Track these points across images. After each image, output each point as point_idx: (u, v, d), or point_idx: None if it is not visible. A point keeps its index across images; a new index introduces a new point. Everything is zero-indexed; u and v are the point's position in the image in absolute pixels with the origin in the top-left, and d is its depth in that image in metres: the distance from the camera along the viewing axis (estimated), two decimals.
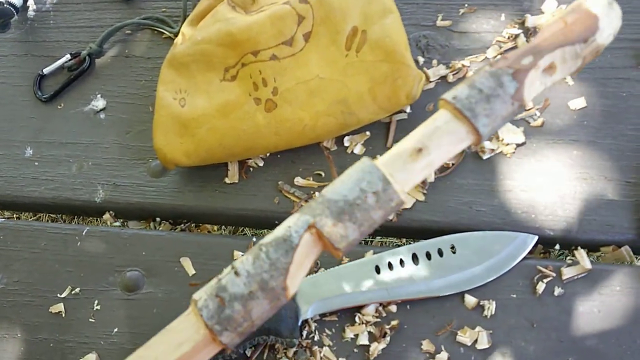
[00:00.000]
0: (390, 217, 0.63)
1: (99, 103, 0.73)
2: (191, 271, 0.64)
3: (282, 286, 0.36)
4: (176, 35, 0.74)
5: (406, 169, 0.38)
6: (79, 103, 0.74)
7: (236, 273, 0.36)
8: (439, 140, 0.38)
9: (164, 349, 0.38)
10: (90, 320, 0.64)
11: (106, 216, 0.70)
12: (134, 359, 0.40)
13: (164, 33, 0.75)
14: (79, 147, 0.72)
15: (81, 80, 0.75)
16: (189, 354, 0.37)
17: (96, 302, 0.64)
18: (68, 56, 0.76)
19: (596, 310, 0.58)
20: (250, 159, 0.68)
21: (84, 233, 0.67)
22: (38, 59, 0.78)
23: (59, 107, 0.75)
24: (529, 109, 0.64)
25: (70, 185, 0.70)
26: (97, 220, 0.73)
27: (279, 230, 0.38)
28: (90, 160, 0.71)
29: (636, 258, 0.61)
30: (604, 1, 0.39)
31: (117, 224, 0.71)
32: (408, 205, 0.63)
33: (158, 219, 0.71)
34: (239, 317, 0.36)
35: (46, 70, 0.76)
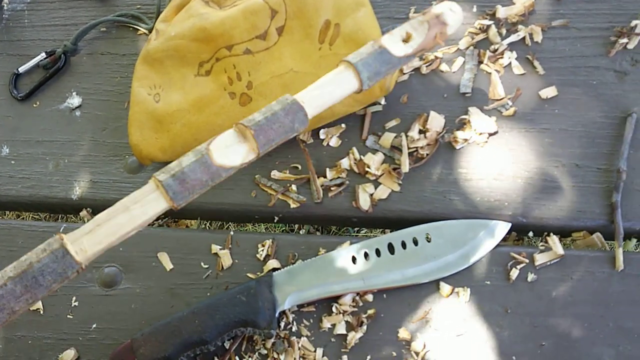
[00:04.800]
0: (366, 208, 0.63)
1: (75, 101, 0.73)
2: (169, 266, 0.64)
3: (206, 147, 0.48)
4: (150, 31, 0.74)
5: (303, 92, 0.53)
6: (54, 101, 0.74)
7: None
8: (328, 76, 0.54)
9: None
10: (68, 316, 0.64)
11: (83, 213, 0.70)
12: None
13: (138, 30, 0.75)
14: (55, 144, 0.72)
15: (56, 78, 0.75)
16: (138, 194, 0.46)
17: (74, 298, 0.64)
18: (43, 54, 0.76)
19: (569, 296, 0.58)
20: None
21: (61, 230, 0.67)
22: (13, 58, 0.78)
23: (34, 105, 0.75)
24: (501, 99, 0.65)
25: (47, 183, 0.70)
26: (74, 217, 0.73)
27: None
28: (67, 157, 0.71)
29: (607, 244, 0.61)
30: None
31: None
32: (383, 195, 0.64)
33: None
34: (173, 165, 0.47)
35: (21, 69, 0.76)
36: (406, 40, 0.55)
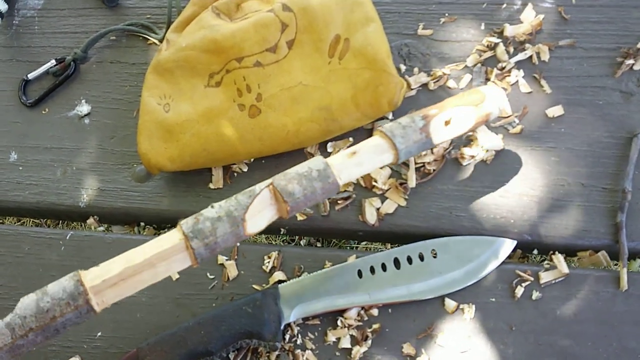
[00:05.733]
0: (373, 222, 0.64)
1: (84, 108, 0.74)
2: (175, 276, 0.65)
3: (242, 217, 0.48)
4: (161, 41, 0.74)
5: (343, 163, 0.53)
6: (63, 108, 0.74)
7: (212, 206, 0.49)
8: (367, 148, 0.54)
9: (149, 248, 0.47)
10: None
11: (90, 221, 0.70)
12: (123, 256, 0.48)
13: (148, 39, 0.76)
14: (64, 152, 0.72)
15: (66, 85, 0.75)
16: (166, 252, 0.47)
17: None
18: (53, 62, 0.76)
19: (573, 314, 0.59)
20: (234, 164, 0.69)
21: (67, 237, 0.68)
22: (23, 64, 0.78)
23: (43, 112, 0.75)
24: (508, 117, 0.66)
25: (54, 190, 0.71)
26: (81, 225, 0.73)
27: (250, 188, 0.51)
28: (75, 165, 0.71)
29: (612, 263, 0.62)
30: (490, 87, 0.60)
31: (101, 228, 0.72)
32: (390, 210, 0.64)
33: (142, 224, 0.71)
34: (207, 231, 0.47)
35: (31, 76, 0.76)
36: (447, 122, 0.56)
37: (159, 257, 0.47)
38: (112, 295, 0.46)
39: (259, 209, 0.49)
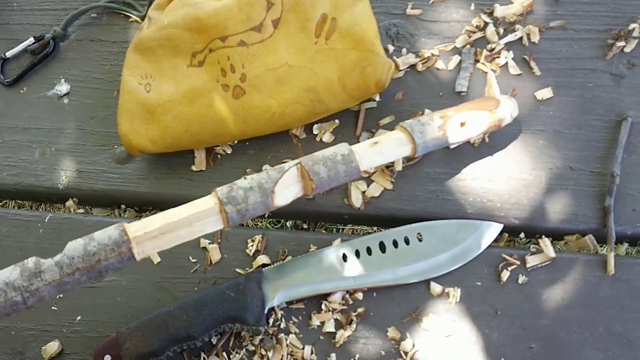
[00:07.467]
0: (358, 206, 0.63)
1: (63, 88, 0.72)
2: (156, 259, 0.63)
3: (272, 189, 0.52)
4: (143, 19, 0.72)
5: (365, 150, 0.56)
6: (42, 87, 0.73)
7: (245, 177, 0.53)
8: (388, 140, 0.57)
9: (187, 209, 0.51)
10: (52, 307, 0.63)
11: (69, 203, 0.68)
12: (163, 214, 0.51)
13: (130, 17, 0.74)
14: (42, 132, 0.70)
15: (45, 64, 0.74)
16: (202, 213, 0.51)
17: None
18: (32, 39, 0.74)
19: (559, 298, 0.58)
20: (217, 146, 0.67)
21: (46, 220, 0.66)
22: (1, 42, 0.76)
23: (21, 91, 0.73)
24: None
25: (32, 171, 0.69)
26: (60, 207, 0.72)
27: (280, 165, 0.54)
28: (54, 145, 0.70)
29: (600, 247, 0.61)
30: (505, 96, 0.62)
31: (81, 211, 0.70)
32: (376, 193, 0.63)
33: (123, 207, 0.70)
34: (240, 198, 0.51)
35: (9, 54, 0.74)
36: (463, 124, 0.59)
37: (195, 217, 0.51)
38: (151, 247, 0.50)
39: (286, 184, 0.53)
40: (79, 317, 0.62)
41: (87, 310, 0.62)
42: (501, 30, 0.68)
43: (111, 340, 0.57)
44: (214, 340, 0.60)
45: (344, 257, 0.60)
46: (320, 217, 0.66)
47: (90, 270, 0.48)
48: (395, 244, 0.60)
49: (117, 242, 0.49)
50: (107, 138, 0.69)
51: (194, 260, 0.63)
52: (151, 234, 0.50)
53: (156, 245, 0.50)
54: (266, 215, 0.66)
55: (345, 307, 0.60)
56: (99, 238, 0.49)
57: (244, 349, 0.59)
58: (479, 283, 0.59)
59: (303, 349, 0.59)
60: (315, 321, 0.59)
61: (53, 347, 0.61)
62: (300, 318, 0.60)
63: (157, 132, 0.64)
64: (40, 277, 0.48)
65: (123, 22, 0.74)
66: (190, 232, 0.51)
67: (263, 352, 0.59)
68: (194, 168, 0.67)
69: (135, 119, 0.64)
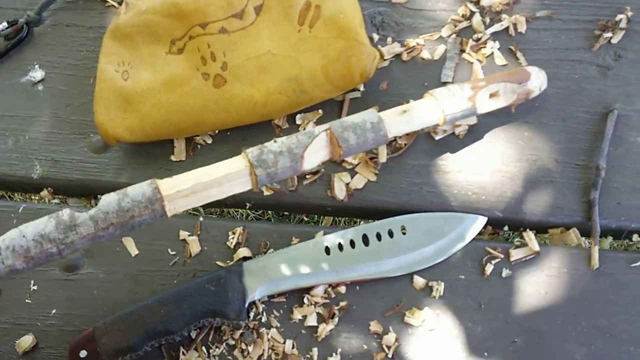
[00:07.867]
0: (341, 198, 0.62)
1: (37, 74, 0.69)
2: (134, 251, 0.62)
3: (301, 154, 0.53)
4: (120, 4, 0.70)
5: (394, 118, 0.57)
6: (15, 74, 0.70)
7: (275, 141, 0.54)
8: (417, 108, 0.57)
9: (218, 168, 0.53)
10: (26, 301, 0.61)
11: (44, 193, 0.66)
12: (194, 173, 0.52)
13: (107, 1, 0.72)
14: (16, 120, 0.68)
15: (18, 49, 0.71)
16: (233, 174, 0.52)
17: (32, 282, 0.61)
18: (5, 24, 0.72)
19: (543, 292, 0.58)
20: (198, 135, 0.66)
21: (19, 210, 0.64)
22: None
23: None
24: None
25: (5, 160, 0.67)
26: (35, 197, 0.70)
27: (309, 130, 0.55)
28: (27, 134, 0.67)
29: (584, 240, 0.61)
30: (535, 68, 0.62)
31: (56, 201, 0.68)
32: (359, 185, 0.62)
33: (100, 197, 0.68)
34: (270, 162, 0.53)
35: None
36: (493, 95, 0.59)
37: (226, 177, 0.52)
38: (183, 204, 0.51)
39: (315, 149, 0.54)
40: (54, 311, 0.61)
41: (62, 303, 0.61)
42: (487, 20, 0.67)
43: (87, 335, 0.56)
44: (193, 335, 0.58)
45: (327, 250, 0.59)
46: (303, 209, 0.65)
47: (124, 225, 0.50)
48: (378, 236, 0.59)
49: (151, 199, 0.50)
50: (83, 126, 0.67)
51: (173, 253, 0.62)
52: (183, 192, 0.51)
53: (187, 203, 0.52)
54: (247, 207, 0.65)
55: (327, 300, 0.59)
56: (133, 194, 0.50)
57: (224, 344, 0.58)
58: (463, 277, 0.59)
59: (284, 343, 0.58)
60: (297, 315, 0.58)
61: (27, 341, 0.59)
62: (281, 312, 0.59)
63: (135, 121, 0.62)
64: (76, 231, 0.49)
65: (100, 7, 0.72)
66: (221, 192, 0.52)
67: (243, 347, 0.58)
68: (173, 158, 0.65)
69: (112, 108, 0.62)
